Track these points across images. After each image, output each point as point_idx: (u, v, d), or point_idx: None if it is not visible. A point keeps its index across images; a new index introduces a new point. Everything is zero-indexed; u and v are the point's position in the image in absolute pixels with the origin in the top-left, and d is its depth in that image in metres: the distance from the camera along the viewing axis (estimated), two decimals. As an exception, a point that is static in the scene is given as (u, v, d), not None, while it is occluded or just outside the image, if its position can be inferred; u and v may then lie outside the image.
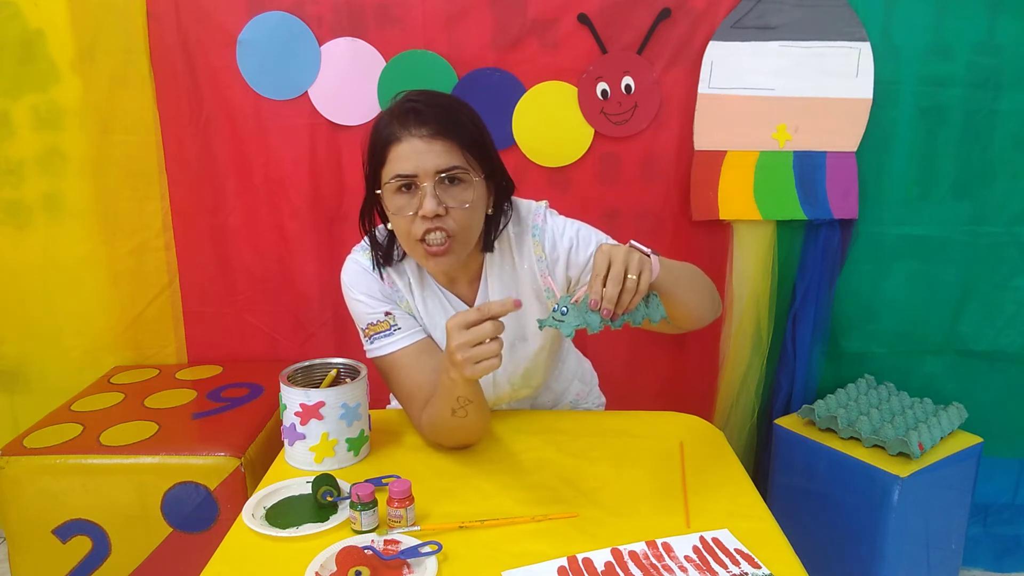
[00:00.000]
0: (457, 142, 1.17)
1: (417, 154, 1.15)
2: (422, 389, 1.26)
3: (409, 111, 1.17)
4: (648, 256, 1.06)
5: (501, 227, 1.29)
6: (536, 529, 1.07)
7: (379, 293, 1.30)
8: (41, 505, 1.58)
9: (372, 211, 1.27)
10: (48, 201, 1.98)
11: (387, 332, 1.28)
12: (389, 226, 1.24)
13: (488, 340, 1.05)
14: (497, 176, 1.26)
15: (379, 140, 1.19)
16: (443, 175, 1.16)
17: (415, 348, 1.29)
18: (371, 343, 1.30)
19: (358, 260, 1.31)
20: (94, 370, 2.04)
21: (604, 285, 1.01)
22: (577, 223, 1.33)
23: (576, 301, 1.03)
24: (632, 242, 1.09)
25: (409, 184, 1.17)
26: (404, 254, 1.30)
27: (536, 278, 1.31)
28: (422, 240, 1.18)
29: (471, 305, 1.33)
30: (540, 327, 1.06)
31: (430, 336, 1.32)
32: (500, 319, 1.06)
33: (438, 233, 1.17)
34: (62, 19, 1.86)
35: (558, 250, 1.30)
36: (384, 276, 1.30)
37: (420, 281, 1.32)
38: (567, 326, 1.03)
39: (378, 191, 1.21)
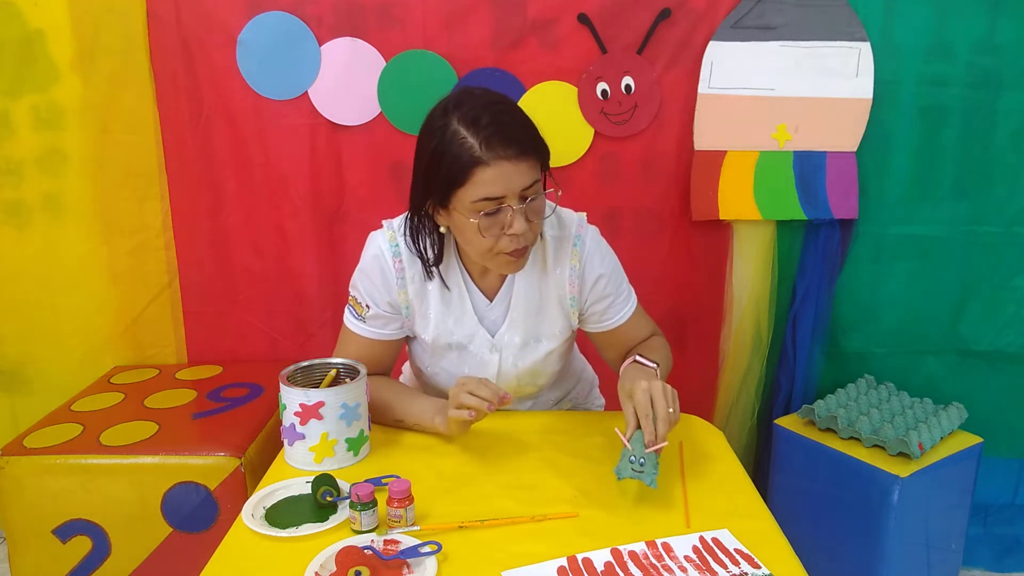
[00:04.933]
0: (536, 158, 1.19)
1: (506, 177, 1.15)
2: (360, 361, 1.34)
3: (493, 134, 1.14)
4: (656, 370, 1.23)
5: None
6: (536, 529, 1.07)
7: (380, 285, 1.33)
8: (41, 505, 1.58)
9: (423, 224, 1.27)
10: (48, 201, 1.98)
11: (359, 316, 1.36)
12: (442, 230, 1.26)
13: (479, 400, 1.18)
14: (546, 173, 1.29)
15: (458, 160, 1.14)
16: (526, 194, 1.18)
17: (370, 342, 1.38)
18: (348, 309, 1.38)
19: (380, 245, 1.32)
20: (94, 370, 2.03)
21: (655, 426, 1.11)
22: (616, 258, 1.38)
23: (648, 450, 1.11)
24: (637, 357, 1.26)
25: (497, 207, 1.17)
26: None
27: (564, 284, 1.34)
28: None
29: (491, 298, 1.36)
30: (619, 478, 1.11)
31: (390, 342, 1.39)
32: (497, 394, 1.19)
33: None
34: (62, 19, 1.86)
35: (594, 269, 1.34)
36: (398, 262, 1.32)
37: (445, 269, 1.33)
38: (648, 476, 1.10)
39: (445, 208, 1.21)
